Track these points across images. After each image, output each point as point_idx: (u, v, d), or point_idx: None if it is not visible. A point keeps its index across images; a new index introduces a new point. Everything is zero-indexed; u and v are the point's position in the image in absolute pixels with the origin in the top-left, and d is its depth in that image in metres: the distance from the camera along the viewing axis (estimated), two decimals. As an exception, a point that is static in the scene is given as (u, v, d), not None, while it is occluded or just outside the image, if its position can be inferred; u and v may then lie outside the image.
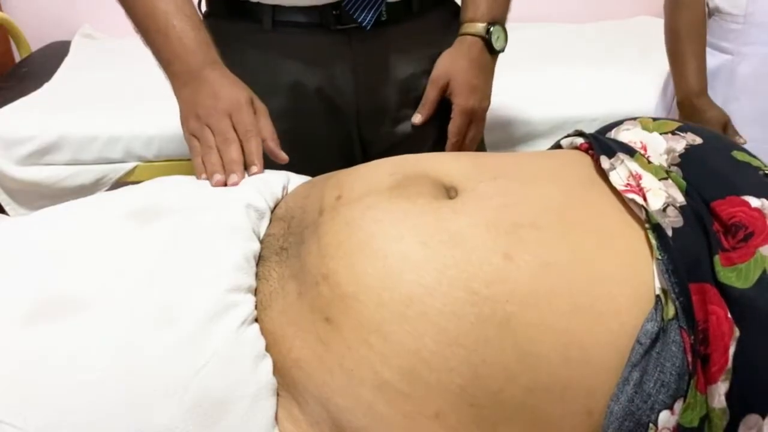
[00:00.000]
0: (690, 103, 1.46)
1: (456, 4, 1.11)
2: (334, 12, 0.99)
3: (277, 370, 0.56)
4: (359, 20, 0.98)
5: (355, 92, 1.04)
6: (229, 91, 0.83)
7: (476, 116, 1.04)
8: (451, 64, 1.03)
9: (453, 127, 1.02)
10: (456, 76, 1.02)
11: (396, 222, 0.59)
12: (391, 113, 1.08)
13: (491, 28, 1.02)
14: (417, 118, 1.05)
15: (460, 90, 1.02)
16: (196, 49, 0.86)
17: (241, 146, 0.79)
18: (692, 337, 0.53)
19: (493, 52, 1.04)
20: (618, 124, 0.76)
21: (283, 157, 0.82)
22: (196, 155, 0.81)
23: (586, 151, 0.72)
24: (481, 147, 1.17)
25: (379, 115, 1.08)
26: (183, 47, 0.86)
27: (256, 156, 0.79)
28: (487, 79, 1.05)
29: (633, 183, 0.62)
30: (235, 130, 0.80)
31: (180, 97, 0.87)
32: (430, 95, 1.03)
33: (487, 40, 1.02)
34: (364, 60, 1.02)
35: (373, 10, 0.98)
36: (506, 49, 1.07)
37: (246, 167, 0.78)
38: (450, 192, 0.65)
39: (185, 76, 0.85)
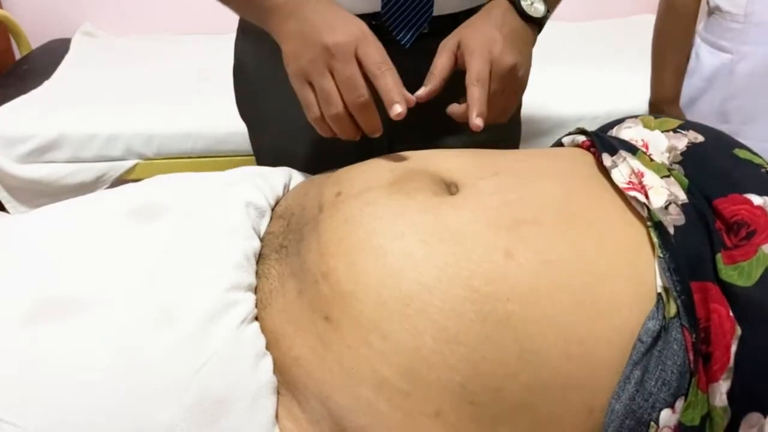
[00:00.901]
0: (660, 108, 1.51)
1: None
2: (373, 22, 0.85)
3: (277, 369, 0.56)
4: (399, 38, 0.87)
5: None
6: (345, 21, 0.71)
7: (504, 77, 0.76)
8: (464, 27, 0.81)
9: (470, 70, 0.74)
10: (469, 32, 0.78)
11: (396, 219, 0.59)
12: (426, 130, 0.93)
13: None
14: (421, 91, 0.76)
15: (475, 43, 0.76)
16: None
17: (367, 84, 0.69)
18: (694, 336, 0.53)
19: (528, 20, 0.81)
20: (619, 122, 0.76)
21: (411, 98, 0.70)
22: (310, 109, 0.72)
23: (587, 148, 0.72)
24: (514, 133, 1.01)
25: (413, 131, 0.88)
26: None
27: (397, 92, 0.68)
28: (516, 43, 0.78)
29: (635, 181, 0.62)
30: (360, 67, 0.69)
31: (282, 34, 0.74)
32: (438, 62, 0.78)
33: (514, 2, 0.81)
34: (402, 73, 0.77)
35: (414, 28, 0.86)
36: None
37: (387, 107, 0.68)
38: (450, 188, 0.65)
39: (288, 5, 0.73)
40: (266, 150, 1.02)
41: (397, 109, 0.67)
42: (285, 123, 0.78)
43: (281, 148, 0.93)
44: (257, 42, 0.76)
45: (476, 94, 0.72)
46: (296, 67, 0.71)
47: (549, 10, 0.83)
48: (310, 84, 0.71)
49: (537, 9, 0.81)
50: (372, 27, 0.77)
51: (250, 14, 0.79)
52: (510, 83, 0.77)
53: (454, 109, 0.75)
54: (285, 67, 0.73)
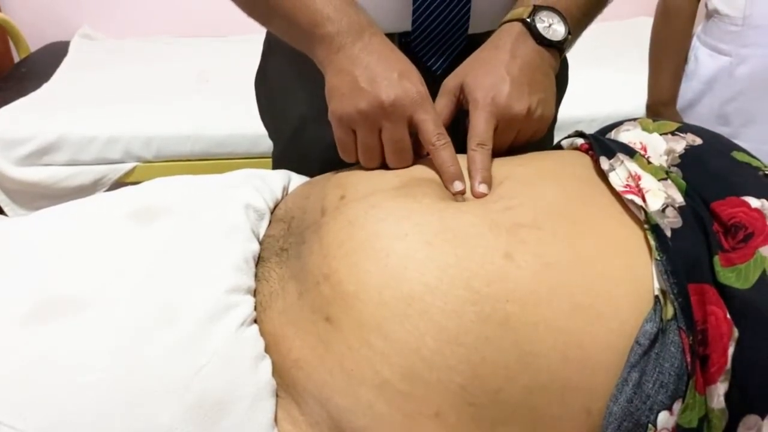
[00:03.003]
0: (656, 111, 1.52)
1: None
2: (402, 40, 0.81)
3: (276, 371, 0.56)
4: (429, 65, 0.81)
5: None
6: (402, 73, 0.66)
7: (515, 124, 0.70)
8: (468, 63, 0.74)
9: (472, 130, 0.69)
10: (473, 74, 0.71)
11: (400, 220, 0.59)
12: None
13: (539, 12, 0.73)
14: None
15: (479, 91, 0.69)
16: (347, 7, 0.70)
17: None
18: (691, 338, 0.53)
19: (545, 43, 0.73)
20: (618, 124, 0.76)
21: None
22: (346, 153, 0.70)
23: (586, 151, 0.72)
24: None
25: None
26: (332, 5, 0.69)
27: (455, 168, 0.65)
28: (530, 79, 0.70)
29: (632, 184, 0.62)
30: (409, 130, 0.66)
31: (330, 67, 0.69)
32: (437, 105, 0.72)
33: (528, 24, 0.72)
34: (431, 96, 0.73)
35: (447, 53, 0.79)
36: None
37: (446, 183, 0.65)
38: (456, 195, 0.65)
39: (340, 38, 0.68)
40: (278, 159, 1.01)
41: (458, 187, 0.64)
42: (300, 137, 0.76)
43: (292, 159, 0.91)
44: (283, 58, 0.73)
45: (477, 160, 0.66)
46: (341, 111, 0.68)
47: (570, 33, 0.74)
48: (352, 130, 0.69)
49: (556, 32, 0.73)
50: (401, 45, 0.74)
51: (294, 38, 0.75)
52: (526, 126, 0.71)
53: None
54: (326, 100, 0.70)
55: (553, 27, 0.73)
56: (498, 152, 0.70)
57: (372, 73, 0.66)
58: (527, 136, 0.72)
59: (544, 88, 0.72)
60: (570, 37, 0.74)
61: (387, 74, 0.66)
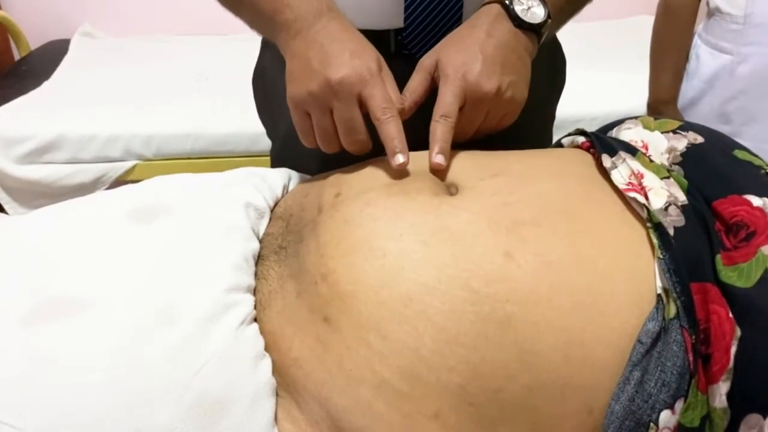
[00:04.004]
0: (657, 109, 1.52)
1: None
2: (398, 37, 0.82)
3: (276, 370, 0.56)
4: (416, 54, 0.80)
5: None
6: (354, 52, 0.67)
7: (483, 103, 0.69)
8: (445, 41, 0.74)
9: (438, 102, 0.69)
10: (447, 51, 0.71)
11: (395, 219, 0.59)
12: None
13: None
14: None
15: (450, 67, 0.69)
16: None
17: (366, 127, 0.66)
18: (693, 337, 0.53)
19: (525, 27, 0.72)
20: (619, 123, 0.76)
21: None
22: (304, 137, 0.71)
23: (587, 149, 0.72)
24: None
25: (418, 133, 0.73)
26: None
27: (399, 141, 0.65)
28: (504, 60, 0.70)
29: (635, 182, 0.62)
30: (361, 107, 0.66)
31: (288, 51, 0.71)
32: (411, 84, 0.72)
33: (507, 6, 0.72)
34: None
35: (431, 44, 0.77)
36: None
37: (389, 156, 0.65)
38: (450, 189, 0.64)
39: (297, 23, 0.69)
40: (276, 157, 1.01)
41: (399, 159, 0.65)
42: (297, 135, 0.76)
43: (290, 157, 0.91)
44: (279, 55, 0.74)
45: (438, 131, 0.67)
46: (295, 93, 0.69)
47: (551, 17, 0.73)
48: (307, 114, 0.69)
49: (535, 15, 0.72)
50: (398, 40, 0.75)
51: (260, 27, 0.77)
52: (495, 107, 0.70)
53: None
54: (286, 83, 0.71)
55: (532, 10, 0.72)
56: (467, 133, 0.71)
57: (324, 54, 0.67)
58: (497, 118, 0.72)
59: (517, 70, 0.71)
60: (550, 20, 0.73)
61: (338, 54, 0.66)
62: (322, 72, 0.66)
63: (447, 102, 0.68)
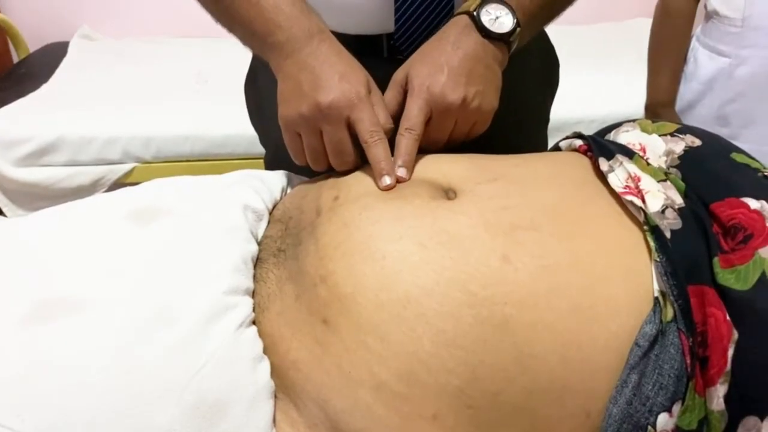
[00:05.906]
0: (655, 112, 1.52)
1: None
2: (390, 41, 0.83)
3: (274, 373, 0.56)
4: (406, 55, 0.78)
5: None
6: (343, 76, 0.68)
7: (450, 114, 0.71)
8: (415, 55, 0.74)
9: (404, 115, 0.70)
10: (414, 64, 0.72)
11: (394, 222, 0.59)
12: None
13: (487, 5, 0.73)
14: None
15: (417, 80, 0.71)
16: (299, 14, 0.72)
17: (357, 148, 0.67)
18: (691, 340, 0.53)
19: (491, 36, 0.72)
20: (617, 126, 0.76)
21: (402, 176, 0.67)
22: (295, 156, 0.73)
23: (584, 153, 0.72)
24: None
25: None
26: (283, 14, 0.72)
27: (386, 164, 0.67)
28: (470, 70, 0.71)
29: (632, 185, 0.62)
30: (349, 129, 0.68)
31: (279, 72, 0.72)
32: (386, 97, 0.73)
33: (474, 17, 0.72)
34: None
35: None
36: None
37: (376, 178, 0.67)
38: (448, 193, 0.65)
39: (289, 45, 0.71)
40: (269, 164, 1.01)
41: (386, 181, 0.66)
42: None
43: (282, 165, 0.92)
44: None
45: (402, 144, 0.69)
46: (286, 114, 0.70)
47: (520, 25, 0.73)
48: (298, 134, 0.71)
49: (503, 24, 0.72)
50: (390, 44, 0.76)
51: (252, 46, 0.78)
52: (463, 117, 0.71)
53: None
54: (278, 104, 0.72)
55: (500, 20, 0.73)
56: (439, 142, 0.73)
57: (314, 78, 0.68)
58: (466, 127, 0.73)
59: (484, 80, 0.72)
60: (519, 29, 0.73)
61: (328, 78, 0.68)
62: (312, 95, 0.67)
63: (412, 115, 0.70)
